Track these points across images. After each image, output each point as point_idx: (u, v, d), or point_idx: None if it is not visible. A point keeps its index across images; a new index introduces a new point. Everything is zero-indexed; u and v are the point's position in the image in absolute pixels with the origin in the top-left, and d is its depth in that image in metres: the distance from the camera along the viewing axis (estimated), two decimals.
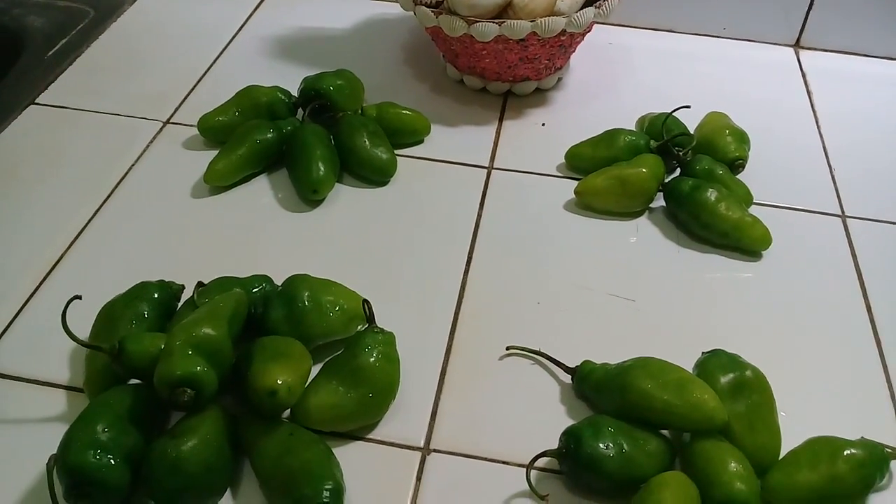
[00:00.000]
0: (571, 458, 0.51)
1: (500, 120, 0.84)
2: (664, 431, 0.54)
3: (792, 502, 0.51)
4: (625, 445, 0.51)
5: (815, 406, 0.59)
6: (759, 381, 0.55)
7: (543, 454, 0.51)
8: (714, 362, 0.56)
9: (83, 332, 0.56)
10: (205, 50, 0.90)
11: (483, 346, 0.61)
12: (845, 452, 0.51)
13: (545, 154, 0.79)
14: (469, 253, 0.69)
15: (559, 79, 0.88)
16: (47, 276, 0.65)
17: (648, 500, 0.48)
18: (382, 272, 0.67)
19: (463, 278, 0.67)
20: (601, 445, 0.50)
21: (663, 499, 0.47)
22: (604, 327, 0.63)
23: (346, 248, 0.69)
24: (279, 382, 0.50)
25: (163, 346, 0.50)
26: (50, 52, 0.89)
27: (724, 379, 0.54)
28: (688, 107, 0.75)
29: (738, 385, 0.54)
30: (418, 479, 0.53)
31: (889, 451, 0.53)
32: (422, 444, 0.55)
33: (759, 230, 0.69)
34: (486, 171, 0.77)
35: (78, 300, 0.53)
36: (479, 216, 0.72)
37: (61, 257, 0.66)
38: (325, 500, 0.47)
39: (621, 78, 0.90)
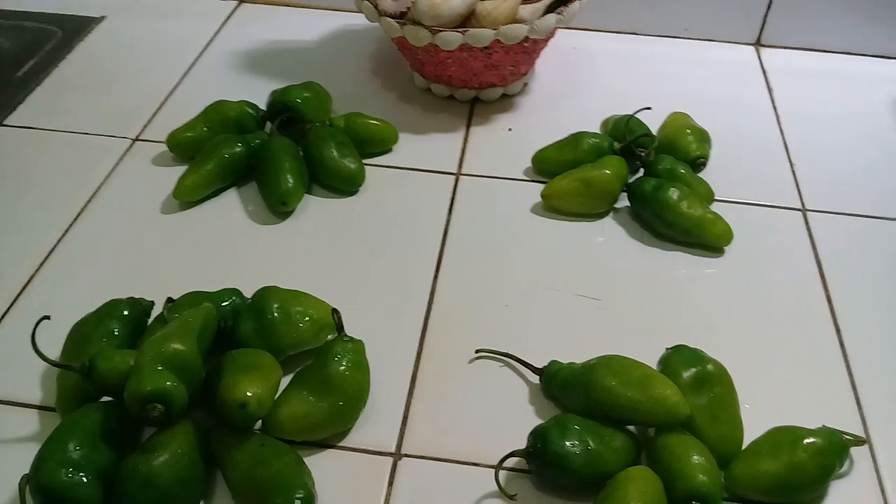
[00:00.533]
0: (539, 457, 0.52)
1: (468, 126, 0.85)
2: (630, 428, 0.55)
3: (754, 492, 0.53)
4: (591, 443, 0.52)
5: (778, 397, 0.60)
6: (720, 374, 0.56)
7: (512, 454, 0.52)
8: (677, 357, 0.57)
9: (55, 351, 0.57)
10: (173, 67, 0.91)
11: (453, 350, 0.62)
12: (805, 441, 0.53)
13: (512, 158, 0.80)
14: (438, 258, 0.70)
15: (525, 84, 0.89)
16: (18, 297, 0.65)
17: (614, 495, 0.49)
18: (353, 281, 0.67)
19: (432, 284, 0.68)
20: (567, 444, 0.51)
21: (628, 493, 0.48)
22: (571, 327, 0.64)
23: (317, 258, 0.69)
24: (249, 394, 0.51)
25: (132, 363, 0.51)
26: (18, 73, 0.89)
27: (687, 373, 0.55)
28: (649, 108, 0.77)
29: (700, 379, 0.55)
30: (390, 484, 0.54)
31: (848, 438, 0.54)
32: (393, 450, 0.56)
33: (721, 227, 0.70)
34: (454, 177, 0.78)
35: (47, 320, 0.53)
36: (448, 222, 0.73)
37: (31, 278, 0.67)
38: None
39: (586, 81, 0.92)
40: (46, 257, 0.68)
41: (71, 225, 0.71)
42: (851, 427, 0.57)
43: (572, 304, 0.66)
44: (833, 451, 0.53)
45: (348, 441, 0.56)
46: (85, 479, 0.48)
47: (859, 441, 0.55)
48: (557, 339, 0.63)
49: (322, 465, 0.54)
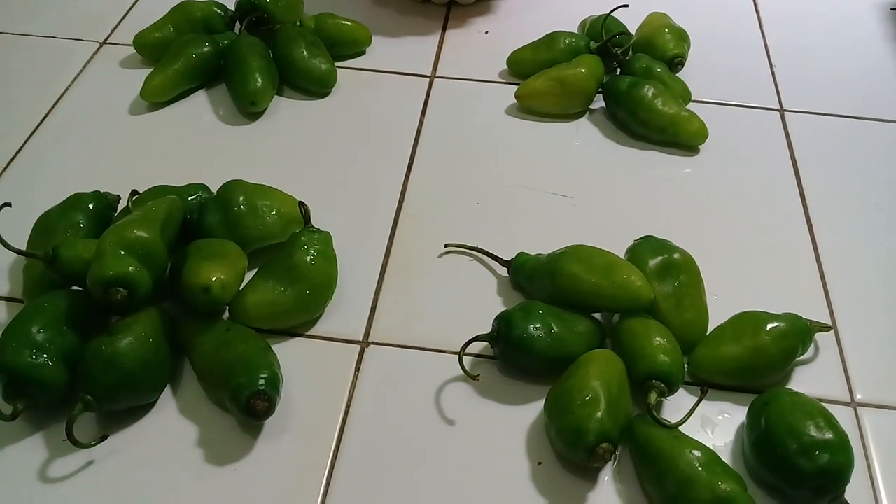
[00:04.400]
0: (503, 341, 0.52)
1: (444, 30, 0.83)
2: (596, 316, 0.55)
3: (717, 374, 0.53)
4: (554, 326, 0.52)
5: (747, 289, 0.60)
6: (686, 262, 0.56)
7: (476, 338, 0.52)
8: (644, 247, 0.57)
9: (21, 244, 0.56)
10: None
11: (423, 245, 0.62)
12: (768, 325, 0.53)
13: (488, 61, 0.79)
14: (410, 158, 0.69)
15: None
16: None
17: (575, 374, 0.49)
18: (324, 180, 0.67)
19: (404, 183, 0.67)
20: (532, 327, 0.52)
21: (589, 372, 0.49)
22: (542, 223, 0.64)
23: (287, 158, 0.69)
24: (213, 279, 0.51)
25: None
26: None
27: (653, 262, 0.55)
28: (626, 6, 0.75)
29: (666, 266, 0.55)
30: (357, 369, 0.54)
31: (811, 323, 0.55)
32: (360, 338, 0.56)
33: (696, 124, 0.69)
34: (428, 79, 0.77)
35: (9, 207, 0.53)
36: (421, 123, 0.73)
37: None
38: (260, 387, 0.48)
39: None
40: (14, 157, 0.68)
41: (38, 126, 0.70)
42: (819, 317, 0.57)
43: (544, 202, 0.66)
44: (795, 335, 0.53)
45: (316, 330, 0.56)
46: (49, 362, 0.48)
47: (824, 327, 0.56)
48: (528, 234, 0.63)
49: (290, 353, 0.54)
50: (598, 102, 0.74)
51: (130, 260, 0.50)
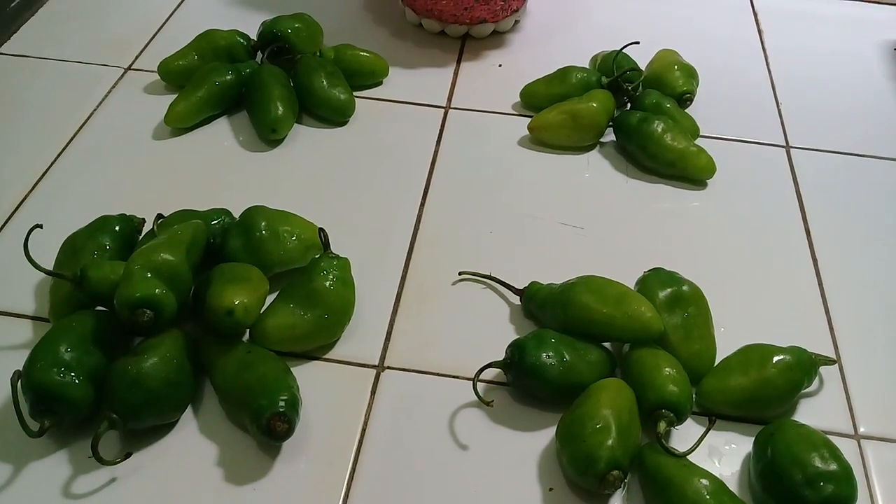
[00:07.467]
0: (516, 368, 0.53)
1: (458, 62, 0.85)
2: (606, 345, 0.57)
3: (724, 405, 0.55)
4: (566, 355, 0.53)
5: (753, 322, 0.61)
6: (695, 294, 0.58)
7: (490, 365, 0.54)
8: (654, 279, 0.58)
9: (48, 266, 0.58)
10: None
11: (437, 272, 0.64)
12: (775, 357, 0.54)
13: (501, 93, 0.81)
14: (425, 187, 0.71)
15: (516, 21, 0.90)
16: (11, 216, 0.66)
17: (586, 402, 0.51)
18: (341, 207, 0.69)
19: (419, 211, 0.69)
20: (544, 355, 0.53)
21: (600, 400, 0.50)
22: (553, 253, 0.66)
23: (306, 185, 0.71)
24: (236, 303, 0.53)
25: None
26: (13, 3, 0.89)
27: (663, 293, 0.57)
28: (637, 43, 0.77)
29: (675, 298, 0.57)
30: (373, 393, 0.56)
31: (816, 356, 0.56)
32: (377, 363, 0.57)
33: (704, 159, 0.71)
34: (443, 110, 0.79)
35: (40, 229, 0.55)
36: (436, 153, 0.74)
37: (25, 198, 0.68)
38: (280, 409, 0.49)
39: (577, 19, 0.92)
40: (40, 179, 0.69)
41: (64, 149, 0.72)
42: (824, 351, 0.59)
43: (555, 232, 0.68)
44: (801, 368, 0.55)
45: (333, 353, 0.58)
46: (76, 380, 0.49)
47: (829, 360, 0.57)
48: (540, 263, 0.65)
49: (308, 376, 0.55)
50: (609, 136, 0.76)
51: (157, 282, 0.52)
